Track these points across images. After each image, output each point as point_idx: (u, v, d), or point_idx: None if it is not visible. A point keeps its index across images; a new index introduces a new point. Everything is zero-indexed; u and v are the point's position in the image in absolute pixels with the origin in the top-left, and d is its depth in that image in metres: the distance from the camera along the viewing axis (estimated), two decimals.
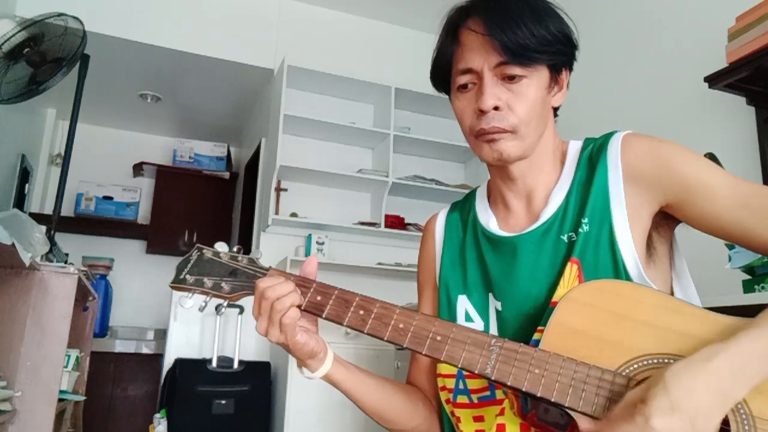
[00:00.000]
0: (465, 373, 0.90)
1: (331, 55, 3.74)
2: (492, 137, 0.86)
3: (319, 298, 0.84)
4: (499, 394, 0.87)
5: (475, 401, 0.90)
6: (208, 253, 0.92)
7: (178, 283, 0.89)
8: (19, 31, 2.04)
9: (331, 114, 3.57)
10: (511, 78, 0.85)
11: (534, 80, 0.86)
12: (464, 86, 0.89)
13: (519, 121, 0.85)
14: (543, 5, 0.87)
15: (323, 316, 0.84)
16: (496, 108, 0.85)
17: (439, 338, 0.79)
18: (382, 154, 3.67)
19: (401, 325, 0.81)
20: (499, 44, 0.83)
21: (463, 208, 1.06)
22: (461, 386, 0.91)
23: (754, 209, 0.80)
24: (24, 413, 1.60)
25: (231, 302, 0.90)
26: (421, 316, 0.81)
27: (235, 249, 0.92)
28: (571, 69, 0.92)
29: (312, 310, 0.84)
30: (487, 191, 1.04)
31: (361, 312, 0.83)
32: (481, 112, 0.86)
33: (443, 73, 0.92)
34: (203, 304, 0.90)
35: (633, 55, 2.66)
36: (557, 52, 0.86)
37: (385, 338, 0.81)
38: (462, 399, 0.91)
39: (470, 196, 1.07)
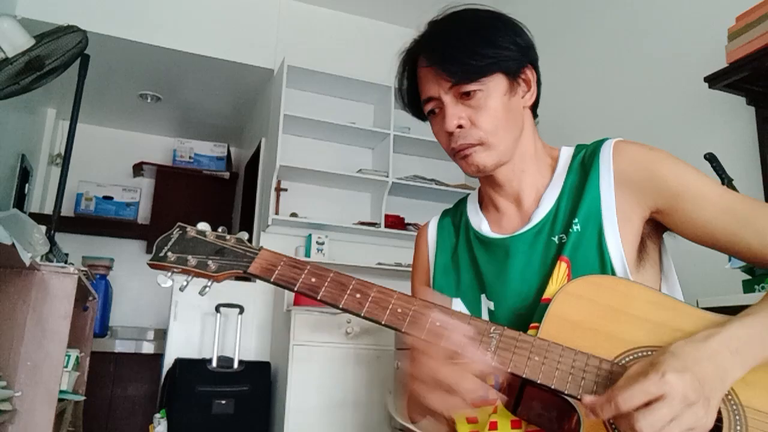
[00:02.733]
0: None
1: (331, 55, 3.74)
2: (464, 153, 0.92)
3: (313, 279, 0.82)
4: (491, 394, 0.88)
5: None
6: (191, 231, 0.87)
7: (158, 261, 0.84)
8: (36, 46, 2.04)
9: (331, 114, 3.57)
10: (467, 95, 0.90)
11: (490, 91, 0.90)
12: (432, 112, 0.95)
13: (484, 132, 0.91)
14: (484, 21, 0.93)
15: (318, 297, 0.81)
16: (460, 126, 0.90)
17: (438, 324, 0.78)
18: (382, 154, 3.67)
19: (399, 310, 0.80)
20: (443, 71, 0.90)
21: (454, 214, 1.10)
22: None
23: (741, 217, 0.83)
24: (24, 413, 1.60)
25: (217, 281, 0.84)
26: (420, 301, 0.81)
27: (220, 229, 0.88)
28: (535, 67, 0.96)
29: (306, 292, 0.82)
30: (478, 197, 1.07)
31: (358, 295, 0.81)
32: (449, 134, 0.91)
33: (414, 105, 0.99)
34: (184, 283, 0.85)
35: (633, 56, 2.66)
36: (504, 58, 0.90)
37: (383, 322, 0.79)
38: None
39: (461, 203, 1.11)
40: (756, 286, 1.53)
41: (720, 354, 0.69)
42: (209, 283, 0.85)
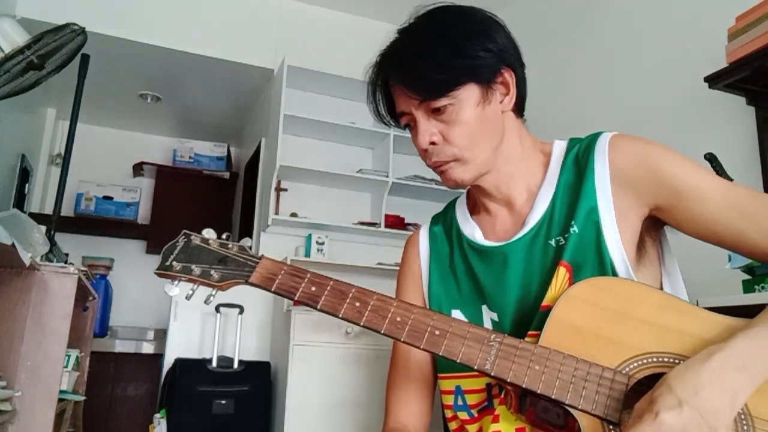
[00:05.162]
0: (464, 388, 0.90)
1: (331, 55, 3.73)
2: (440, 169, 0.90)
3: (313, 288, 0.82)
4: (495, 403, 0.86)
5: (476, 415, 0.89)
6: (195, 239, 0.87)
7: (164, 270, 0.85)
8: (33, 43, 2.04)
9: (331, 114, 3.57)
10: (437, 110, 0.86)
11: (462, 103, 0.86)
12: (408, 125, 0.93)
13: (458, 148, 0.87)
14: (452, 26, 0.88)
15: (317, 307, 0.81)
16: (433, 143, 0.88)
17: (437, 332, 0.77)
18: (382, 154, 3.67)
19: (398, 318, 0.79)
20: (408, 89, 0.86)
21: (444, 220, 1.05)
22: (460, 402, 0.90)
23: (746, 213, 0.79)
24: (24, 413, 1.60)
25: (221, 290, 0.85)
26: (419, 309, 0.80)
27: (224, 236, 0.88)
28: (513, 68, 0.90)
29: (306, 301, 0.82)
30: (467, 202, 1.03)
31: (357, 304, 0.80)
32: (424, 150, 0.89)
33: (393, 116, 0.96)
34: (190, 292, 0.86)
35: (633, 55, 2.66)
36: (474, 67, 0.85)
37: (382, 331, 0.79)
38: (462, 415, 0.90)
39: (449, 208, 1.07)
40: (756, 286, 1.53)
41: (724, 374, 0.65)
42: (214, 292, 0.85)
